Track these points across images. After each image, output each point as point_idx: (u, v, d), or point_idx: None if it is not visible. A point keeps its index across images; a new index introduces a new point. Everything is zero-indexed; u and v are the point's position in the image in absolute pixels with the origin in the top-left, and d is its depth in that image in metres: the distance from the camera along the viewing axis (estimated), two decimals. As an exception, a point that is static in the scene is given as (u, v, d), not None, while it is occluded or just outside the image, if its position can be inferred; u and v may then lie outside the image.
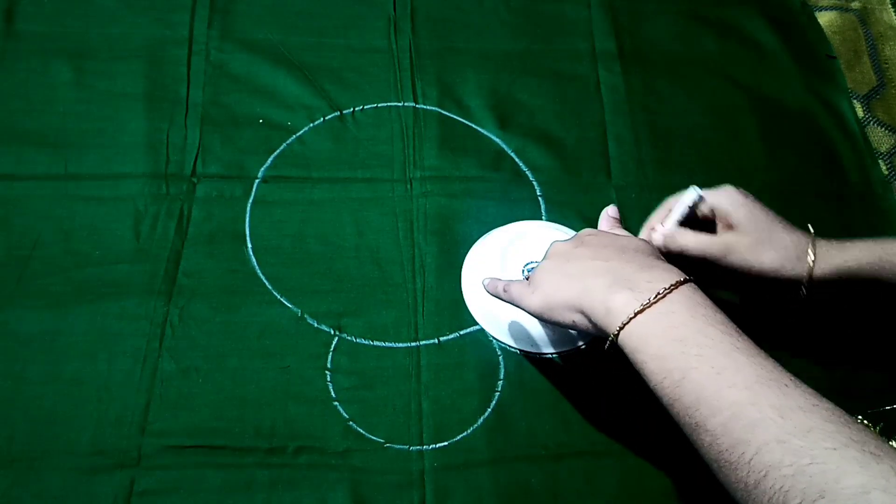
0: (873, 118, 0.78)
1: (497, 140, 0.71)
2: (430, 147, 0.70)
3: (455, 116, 0.72)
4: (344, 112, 0.70)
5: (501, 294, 0.52)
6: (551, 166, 0.70)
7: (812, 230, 0.56)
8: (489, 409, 0.58)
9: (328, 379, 0.57)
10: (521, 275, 0.61)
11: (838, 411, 0.36)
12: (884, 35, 0.84)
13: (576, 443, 0.57)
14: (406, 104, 0.72)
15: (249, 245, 0.63)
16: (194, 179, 0.65)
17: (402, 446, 0.56)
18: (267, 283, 0.61)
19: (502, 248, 0.62)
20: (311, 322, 0.60)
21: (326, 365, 0.58)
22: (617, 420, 0.58)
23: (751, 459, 0.36)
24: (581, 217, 0.68)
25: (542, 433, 0.57)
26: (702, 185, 0.72)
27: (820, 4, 0.85)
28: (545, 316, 0.47)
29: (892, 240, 0.54)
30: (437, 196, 0.67)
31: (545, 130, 0.72)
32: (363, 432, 0.56)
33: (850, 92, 0.79)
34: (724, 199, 0.56)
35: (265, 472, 0.53)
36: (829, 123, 0.77)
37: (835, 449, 0.34)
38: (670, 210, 0.58)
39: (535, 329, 0.60)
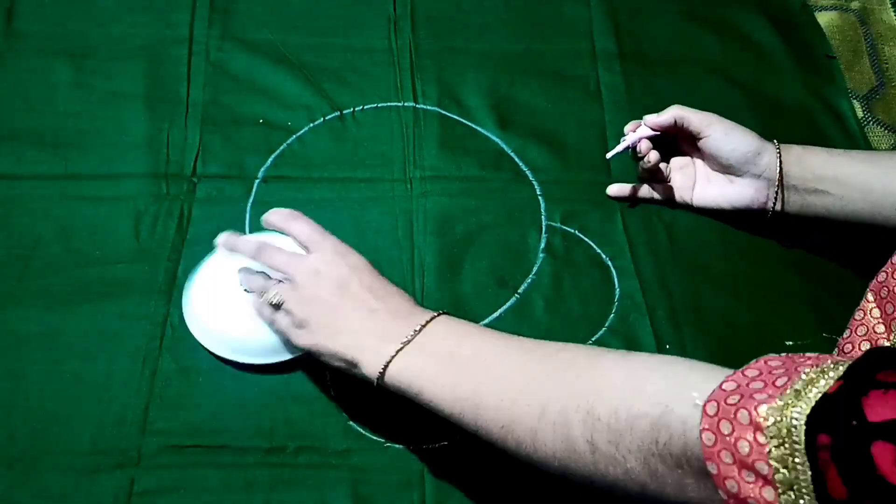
0: (873, 118, 0.78)
1: (497, 140, 0.71)
2: (430, 147, 0.70)
3: (455, 116, 0.72)
4: (344, 112, 0.70)
5: (264, 315, 0.53)
6: (551, 166, 0.70)
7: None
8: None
9: (327, 378, 0.57)
10: (242, 287, 0.56)
11: (586, 346, 0.45)
12: (883, 35, 0.84)
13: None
14: (406, 104, 0.72)
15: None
16: (194, 179, 0.65)
17: (401, 445, 0.56)
18: (267, 283, 0.61)
19: (222, 261, 0.58)
20: (311, 322, 0.60)
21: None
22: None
23: (531, 400, 0.42)
24: (581, 216, 0.68)
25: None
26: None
27: (820, 4, 0.85)
28: (312, 355, 0.51)
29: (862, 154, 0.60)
30: (437, 196, 0.67)
31: (545, 130, 0.72)
32: (363, 432, 0.56)
33: (850, 92, 0.79)
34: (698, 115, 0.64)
35: (265, 472, 0.53)
36: (828, 123, 0.77)
37: (593, 363, 0.42)
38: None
39: (250, 341, 0.56)
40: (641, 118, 0.66)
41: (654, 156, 0.65)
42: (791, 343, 0.63)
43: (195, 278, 0.59)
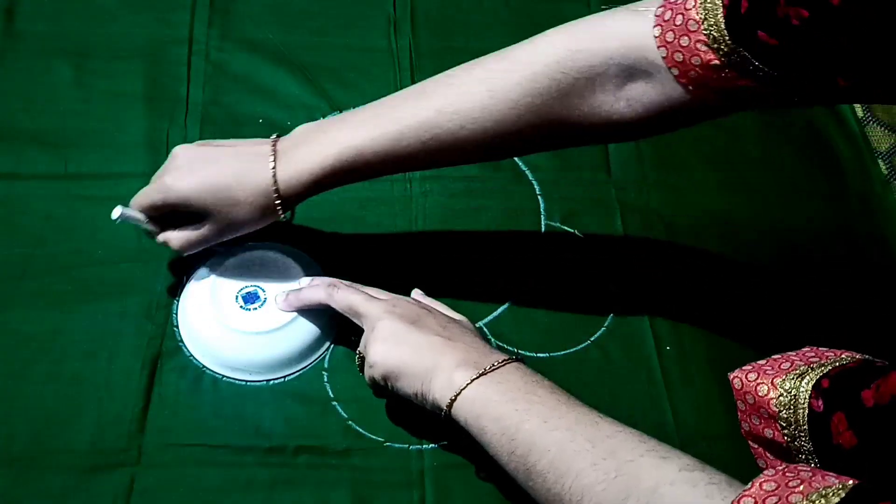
0: (873, 118, 0.78)
1: (497, 140, 0.71)
2: (430, 147, 0.70)
3: (455, 116, 0.72)
4: (344, 111, 0.70)
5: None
6: (551, 165, 0.70)
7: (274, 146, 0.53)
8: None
9: (325, 379, 0.57)
10: (235, 301, 0.57)
11: (636, 432, 0.43)
12: (884, 34, 0.83)
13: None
14: (406, 104, 0.71)
15: (249, 244, 0.63)
16: (194, 179, 0.65)
17: (401, 445, 0.56)
18: (267, 283, 0.61)
19: (213, 277, 0.58)
20: (310, 321, 0.60)
21: (324, 365, 0.58)
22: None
23: (570, 486, 0.41)
24: (581, 216, 0.68)
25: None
26: (702, 185, 0.72)
27: (820, 4, 0.85)
28: (383, 383, 0.50)
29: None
30: (437, 196, 0.67)
31: (545, 130, 0.72)
32: (363, 431, 0.56)
33: (850, 91, 0.79)
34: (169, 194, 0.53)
35: (265, 472, 0.53)
36: (828, 123, 0.77)
37: (632, 461, 0.40)
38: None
39: (248, 356, 0.56)
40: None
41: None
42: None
43: (187, 291, 0.59)
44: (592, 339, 0.62)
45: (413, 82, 0.72)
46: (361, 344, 0.52)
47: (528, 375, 0.48)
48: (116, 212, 0.53)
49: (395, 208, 0.66)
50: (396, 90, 0.71)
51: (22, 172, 0.63)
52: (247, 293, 0.58)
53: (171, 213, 0.54)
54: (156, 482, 0.52)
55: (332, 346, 0.59)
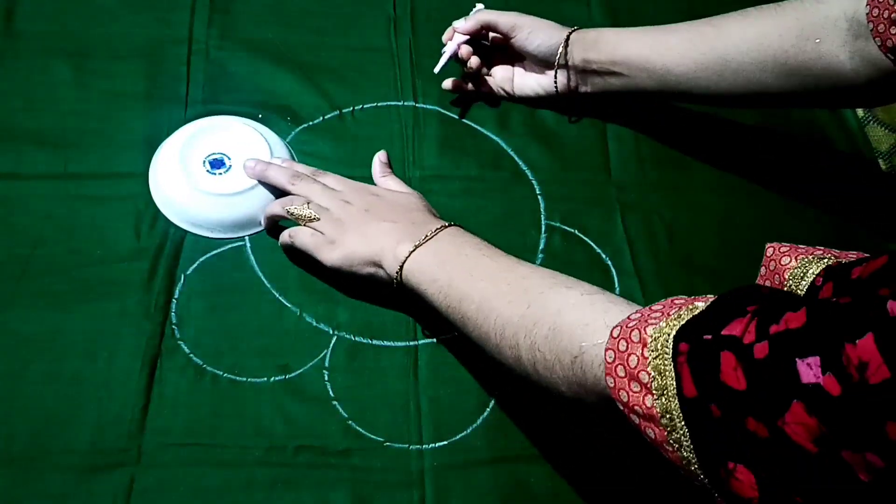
0: (873, 117, 0.78)
1: (497, 139, 0.71)
2: (430, 146, 0.70)
3: (455, 115, 0.72)
4: (343, 111, 0.70)
5: (288, 240, 0.60)
6: (551, 165, 0.70)
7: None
8: (489, 409, 0.58)
9: (326, 378, 0.58)
10: (202, 166, 0.62)
11: (549, 270, 0.51)
12: (884, 34, 0.83)
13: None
14: (406, 103, 0.72)
15: (249, 244, 0.63)
16: (194, 179, 0.65)
17: (401, 445, 0.56)
18: (266, 282, 0.61)
19: (181, 145, 0.63)
20: (309, 321, 0.60)
21: (325, 364, 0.58)
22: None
23: (494, 322, 0.48)
24: (581, 216, 0.68)
25: (543, 432, 0.57)
26: (702, 185, 0.72)
27: (820, 4, 0.85)
28: (343, 268, 0.57)
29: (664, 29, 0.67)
30: (436, 195, 0.67)
31: (545, 129, 0.72)
32: (363, 431, 0.56)
33: (850, 91, 0.79)
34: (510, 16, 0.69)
35: (265, 471, 0.54)
36: (828, 123, 0.77)
37: (542, 293, 0.47)
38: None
39: (217, 215, 0.62)
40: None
41: (474, 61, 0.70)
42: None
43: (162, 150, 0.64)
44: (592, 338, 0.62)
45: (413, 82, 0.73)
46: (309, 210, 0.58)
47: (458, 237, 0.56)
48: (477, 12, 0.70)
49: (395, 208, 0.66)
50: (396, 90, 0.72)
51: (22, 172, 0.63)
52: (213, 159, 0.63)
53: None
54: (156, 482, 0.52)
55: (332, 345, 0.59)
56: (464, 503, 0.54)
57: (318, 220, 0.58)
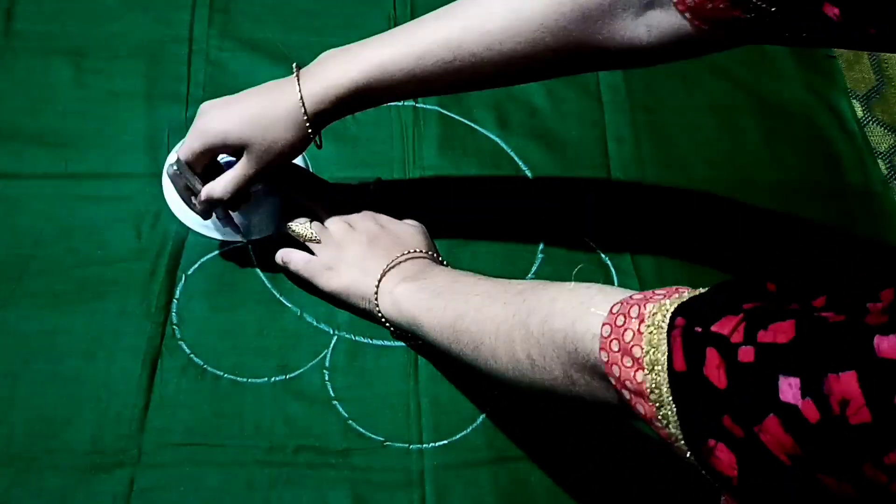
0: (873, 117, 0.78)
1: (497, 140, 0.71)
2: (430, 146, 0.70)
3: (455, 115, 0.72)
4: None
5: (289, 264, 0.59)
6: (551, 166, 0.70)
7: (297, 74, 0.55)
8: (489, 409, 0.58)
9: (326, 378, 0.58)
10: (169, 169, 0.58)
11: (545, 282, 0.49)
12: (884, 35, 0.83)
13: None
14: (406, 103, 0.72)
15: (250, 244, 0.63)
16: (194, 179, 0.65)
17: (401, 445, 0.56)
18: (267, 282, 0.61)
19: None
20: (310, 321, 0.60)
21: (325, 364, 0.58)
22: (616, 419, 0.58)
23: (490, 324, 0.47)
24: (581, 216, 0.68)
25: (543, 432, 0.57)
26: (702, 185, 0.72)
27: (820, 4, 0.85)
28: (339, 297, 0.58)
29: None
30: (436, 195, 0.67)
31: (545, 130, 0.72)
32: (363, 431, 0.56)
33: (850, 91, 0.79)
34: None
35: (265, 471, 0.54)
36: (828, 123, 0.77)
37: (537, 289, 0.47)
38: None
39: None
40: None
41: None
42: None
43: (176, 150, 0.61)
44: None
45: (413, 82, 0.72)
46: (312, 230, 0.58)
47: (453, 272, 0.56)
48: (168, 171, 0.58)
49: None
50: (396, 90, 0.72)
51: (22, 172, 0.63)
52: (226, 161, 0.59)
53: (209, 169, 0.57)
54: (155, 482, 0.52)
55: (332, 345, 0.59)
56: (464, 503, 0.54)
57: (319, 241, 0.58)
